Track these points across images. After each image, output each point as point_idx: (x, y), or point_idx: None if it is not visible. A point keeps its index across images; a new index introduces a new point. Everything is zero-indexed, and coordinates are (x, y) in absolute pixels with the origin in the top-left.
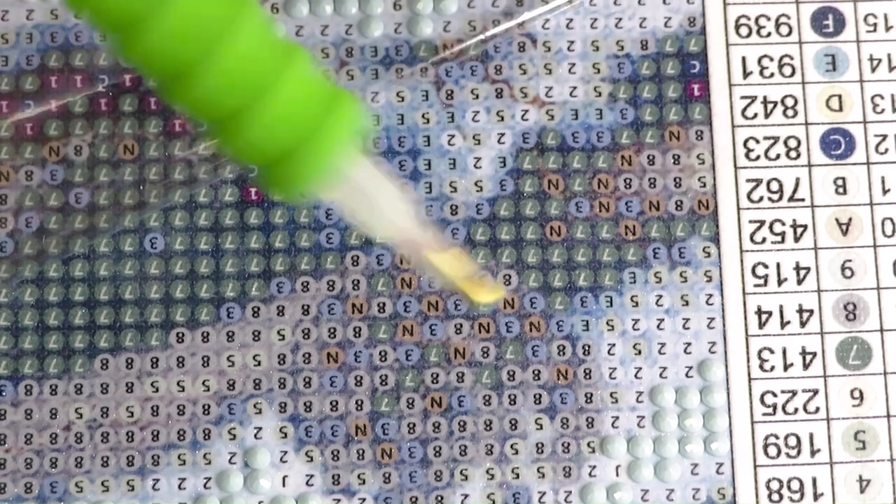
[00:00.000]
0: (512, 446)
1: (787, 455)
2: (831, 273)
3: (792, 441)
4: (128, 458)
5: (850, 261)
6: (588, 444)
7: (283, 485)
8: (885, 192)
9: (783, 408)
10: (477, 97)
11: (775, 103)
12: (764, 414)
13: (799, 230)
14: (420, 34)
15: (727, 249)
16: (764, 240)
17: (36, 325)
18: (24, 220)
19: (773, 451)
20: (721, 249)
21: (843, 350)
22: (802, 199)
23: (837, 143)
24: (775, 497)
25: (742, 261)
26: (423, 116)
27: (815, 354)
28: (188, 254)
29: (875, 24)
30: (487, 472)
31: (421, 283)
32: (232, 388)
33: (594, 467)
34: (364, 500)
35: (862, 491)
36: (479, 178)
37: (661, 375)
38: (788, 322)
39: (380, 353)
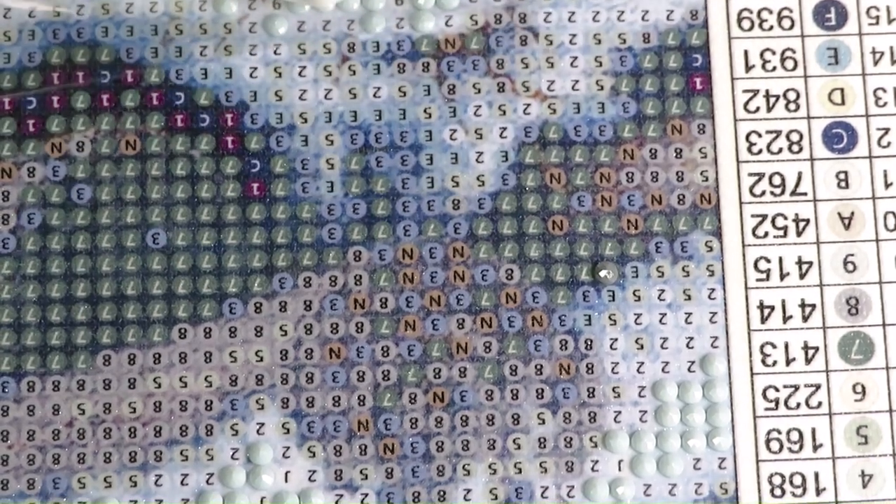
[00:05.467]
0: (514, 441)
1: (790, 450)
2: (833, 267)
3: (794, 436)
4: (130, 454)
5: (852, 255)
6: (590, 439)
7: (286, 480)
8: (887, 185)
9: (785, 402)
10: (479, 91)
11: (777, 97)
12: (766, 409)
13: (801, 224)
14: (422, 29)
15: (729, 244)
16: (766, 234)
17: (38, 322)
18: (26, 216)
19: (775, 445)
20: (723, 244)
21: (845, 345)
22: (805, 193)
23: (840, 137)
24: (777, 492)
25: (744, 255)
26: (424, 111)
27: (817, 349)
28: (190, 249)
29: (877, 17)
30: (490, 466)
31: (423, 278)
32: (234, 384)
33: (596, 462)
34: (366, 495)
35: (864, 486)
36: (481, 172)
37: (663, 370)
38: (791, 317)
39: (382, 349)
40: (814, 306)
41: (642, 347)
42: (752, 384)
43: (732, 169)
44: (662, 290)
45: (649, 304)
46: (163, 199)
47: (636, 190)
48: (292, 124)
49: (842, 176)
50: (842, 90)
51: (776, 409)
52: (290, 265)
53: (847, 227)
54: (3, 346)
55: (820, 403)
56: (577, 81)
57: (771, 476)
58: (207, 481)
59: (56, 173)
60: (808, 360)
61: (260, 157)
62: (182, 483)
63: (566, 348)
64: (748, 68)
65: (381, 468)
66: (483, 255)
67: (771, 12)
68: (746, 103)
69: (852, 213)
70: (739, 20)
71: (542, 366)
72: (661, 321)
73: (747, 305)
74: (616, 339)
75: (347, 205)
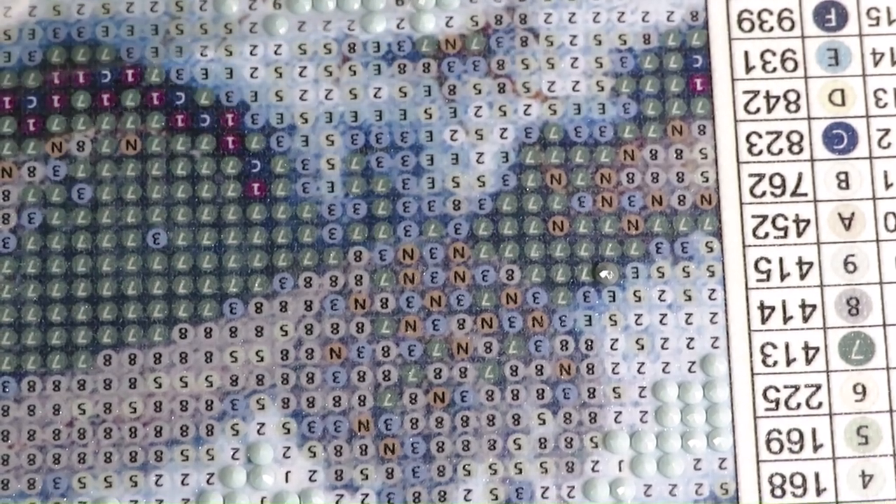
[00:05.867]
0: (515, 441)
1: (790, 450)
2: (834, 268)
3: (794, 436)
4: (131, 454)
5: (852, 255)
6: (591, 440)
7: (286, 480)
8: (887, 186)
9: (786, 403)
10: (479, 92)
11: (778, 98)
12: (766, 409)
13: (801, 225)
14: (422, 29)
15: (730, 244)
16: (766, 234)
17: (39, 322)
18: (26, 216)
19: (775, 446)
20: (723, 244)
21: (845, 345)
22: (805, 194)
23: (840, 138)
24: (778, 492)
25: (745, 256)
26: (425, 112)
27: (817, 349)
28: (191, 249)
29: (878, 18)
30: (490, 467)
31: (423, 278)
32: (235, 384)
33: (597, 462)
34: (367, 495)
35: (864, 486)
36: (481, 173)
37: (663, 370)
38: (791, 317)
39: (382, 349)
40: (814, 307)
41: (643, 348)
42: (753, 384)
43: (733, 170)
44: (663, 291)
45: (650, 305)
46: (163, 199)
47: (636, 191)
48: (293, 124)
49: (842, 177)
50: (842, 91)
51: (776, 409)
52: (290, 265)
53: (847, 227)
54: (4, 346)
55: (820, 404)
56: (577, 82)
57: (771, 476)
58: (208, 481)
59: (56, 173)
60: (808, 361)
61: (260, 157)
62: (182, 483)
63: (567, 349)
64: (748, 69)
65: (382, 468)
66: (483, 256)
67: (771, 13)
68: (747, 104)
69: (853, 214)
70: (740, 21)
71: (542, 366)
72: (661, 322)
73: (748, 306)
74: (616, 340)
75: (348, 205)
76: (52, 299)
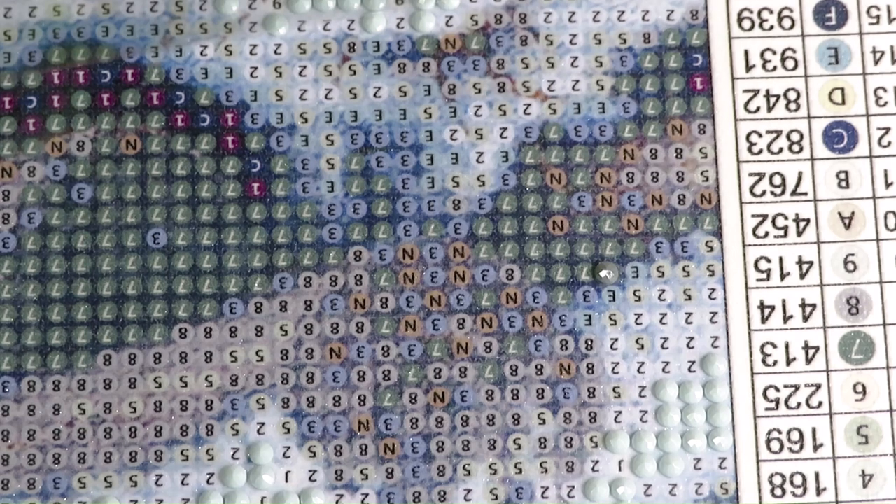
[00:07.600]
0: (515, 441)
1: (790, 450)
2: (834, 267)
3: (794, 436)
4: (131, 454)
5: (852, 255)
6: (591, 439)
7: (286, 480)
8: (887, 185)
9: (786, 402)
10: (479, 91)
11: (778, 97)
12: (766, 409)
13: (801, 224)
14: (422, 29)
15: (730, 244)
16: (766, 234)
17: (39, 321)
18: (26, 215)
19: (775, 445)
20: (723, 244)
21: (845, 344)
22: (805, 193)
23: (840, 137)
24: (778, 492)
25: (745, 255)
26: (425, 111)
27: (817, 349)
28: (191, 249)
29: (878, 17)
30: (490, 467)
31: (423, 278)
32: (235, 384)
33: (597, 462)
34: (367, 495)
35: (864, 486)
36: (481, 172)
37: (663, 370)
38: (791, 316)
39: (382, 349)
40: (814, 306)
41: (643, 347)
42: (753, 384)
43: (733, 169)
44: (663, 291)
45: (650, 305)
46: (163, 198)
47: (636, 190)
48: (293, 124)
49: (842, 175)
50: (842, 90)
51: (777, 408)
52: (290, 265)
53: (847, 226)
54: (4, 346)
55: (820, 403)
56: (577, 81)
57: (771, 476)
58: (208, 481)
59: (56, 172)
60: (808, 360)
61: (260, 156)
62: (182, 483)
63: (566, 348)
64: (748, 68)
65: (382, 468)
66: (483, 256)
67: (771, 12)
68: (747, 103)
69: (853, 213)
70: (740, 20)
71: (542, 366)
72: (661, 321)
73: (748, 305)
74: (616, 339)
75: (348, 205)
76: (52, 299)
